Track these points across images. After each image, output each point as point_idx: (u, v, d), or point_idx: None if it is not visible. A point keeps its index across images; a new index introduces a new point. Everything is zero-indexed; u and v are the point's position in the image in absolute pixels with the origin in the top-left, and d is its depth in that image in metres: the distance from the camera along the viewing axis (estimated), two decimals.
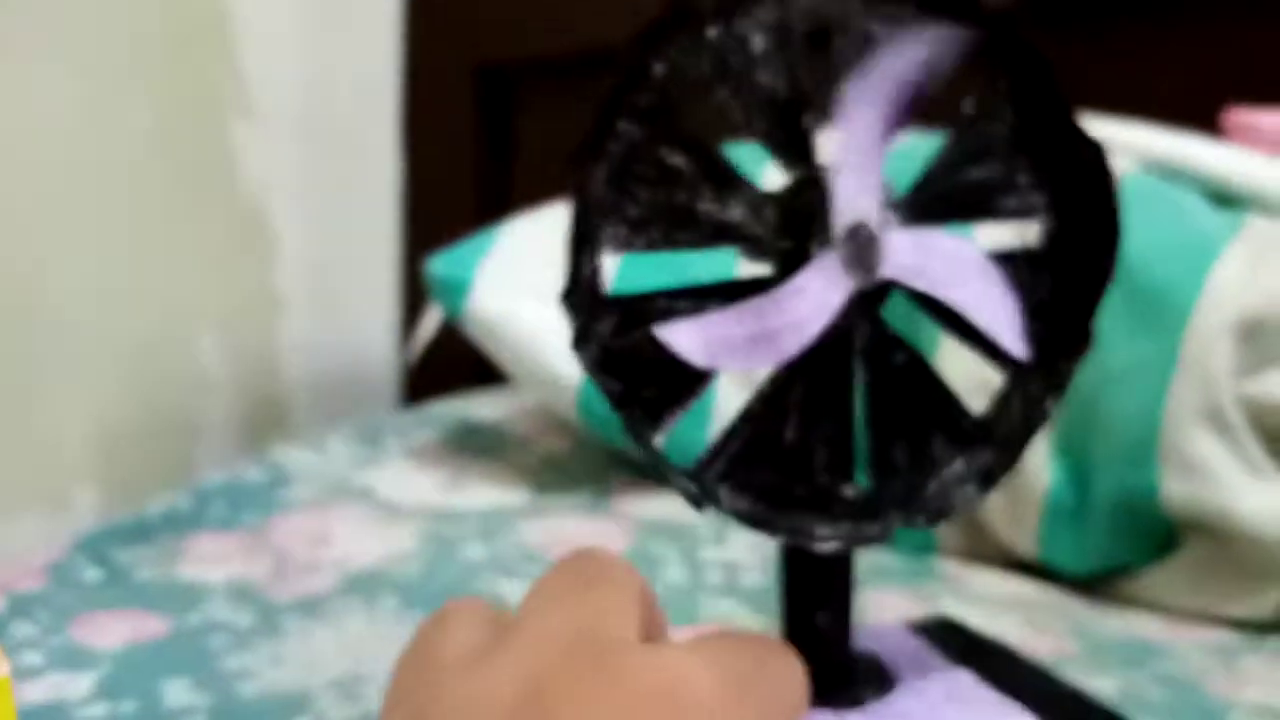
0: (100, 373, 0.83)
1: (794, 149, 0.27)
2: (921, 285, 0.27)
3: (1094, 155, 0.27)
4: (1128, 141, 0.56)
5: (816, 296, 0.25)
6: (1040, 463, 0.51)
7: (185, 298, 0.90)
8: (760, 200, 0.27)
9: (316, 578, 0.46)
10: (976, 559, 0.54)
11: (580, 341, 0.27)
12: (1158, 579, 0.50)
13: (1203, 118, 0.61)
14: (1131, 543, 0.50)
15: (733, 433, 0.28)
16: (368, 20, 1.04)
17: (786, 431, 0.28)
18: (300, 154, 0.98)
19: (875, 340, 0.29)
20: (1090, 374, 0.49)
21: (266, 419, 0.97)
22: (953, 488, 0.29)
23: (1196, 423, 0.47)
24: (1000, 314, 0.28)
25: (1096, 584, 0.51)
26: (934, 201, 0.29)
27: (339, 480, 0.61)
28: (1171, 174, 0.54)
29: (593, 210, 0.27)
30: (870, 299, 0.28)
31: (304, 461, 0.65)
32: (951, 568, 0.52)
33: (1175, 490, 0.48)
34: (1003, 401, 0.30)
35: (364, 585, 0.44)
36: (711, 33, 0.27)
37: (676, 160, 0.27)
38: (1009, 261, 0.29)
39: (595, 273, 0.27)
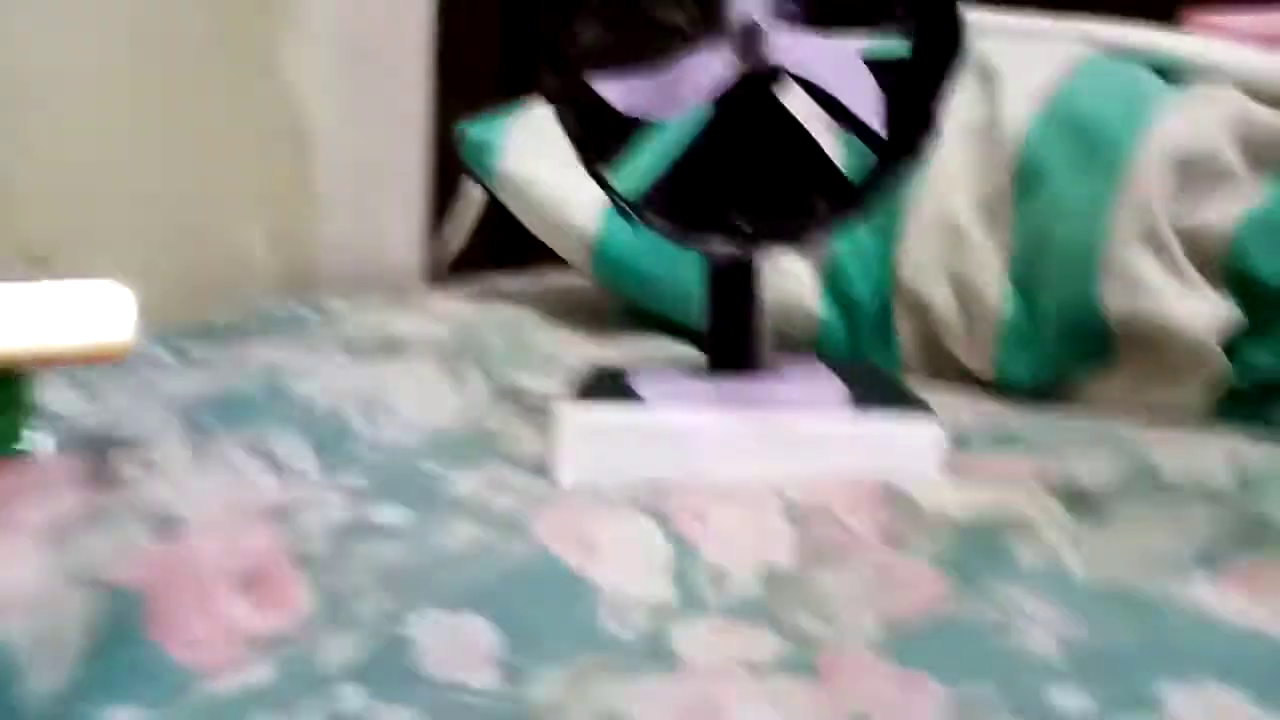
0: (153, 254, 0.94)
1: None
2: (801, 73, 0.39)
3: None
4: (1092, 33, 0.67)
5: (710, 69, 0.37)
6: (997, 294, 0.62)
7: (232, 190, 1.02)
8: (688, 5, 0.39)
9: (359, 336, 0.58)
10: (938, 376, 0.64)
11: (560, 101, 0.39)
12: (1099, 383, 0.61)
13: None
14: (1076, 353, 0.61)
15: (663, 176, 0.40)
16: None
17: (701, 177, 0.40)
18: (339, 61, 1.10)
19: (771, 115, 0.40)
20: (1042, 211, 0.61)
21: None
22: (822, 229, 0.41)
23: (1135, 243, 0.58)
24: (867, 101, 0.40)
25: (1045, 394, 0.62)
26: (826, 16, 0.40)
27: (377, 315, 0.73)
28: (1129, 57, 0.65)
29: (570, 6, 0.39)
30: (765, 83, 0.40)
31: (345, 306, 0.77)
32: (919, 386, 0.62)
33: (1115, 300, 0.58)
34: (872, 174, 0.41)
35: (396, 344, 0.56)
36: None
37: None
38: (880, 68, 0.40)
39: (573, 53, 0.39)
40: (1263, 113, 0.59)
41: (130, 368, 0.57)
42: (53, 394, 0.50)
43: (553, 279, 0.91)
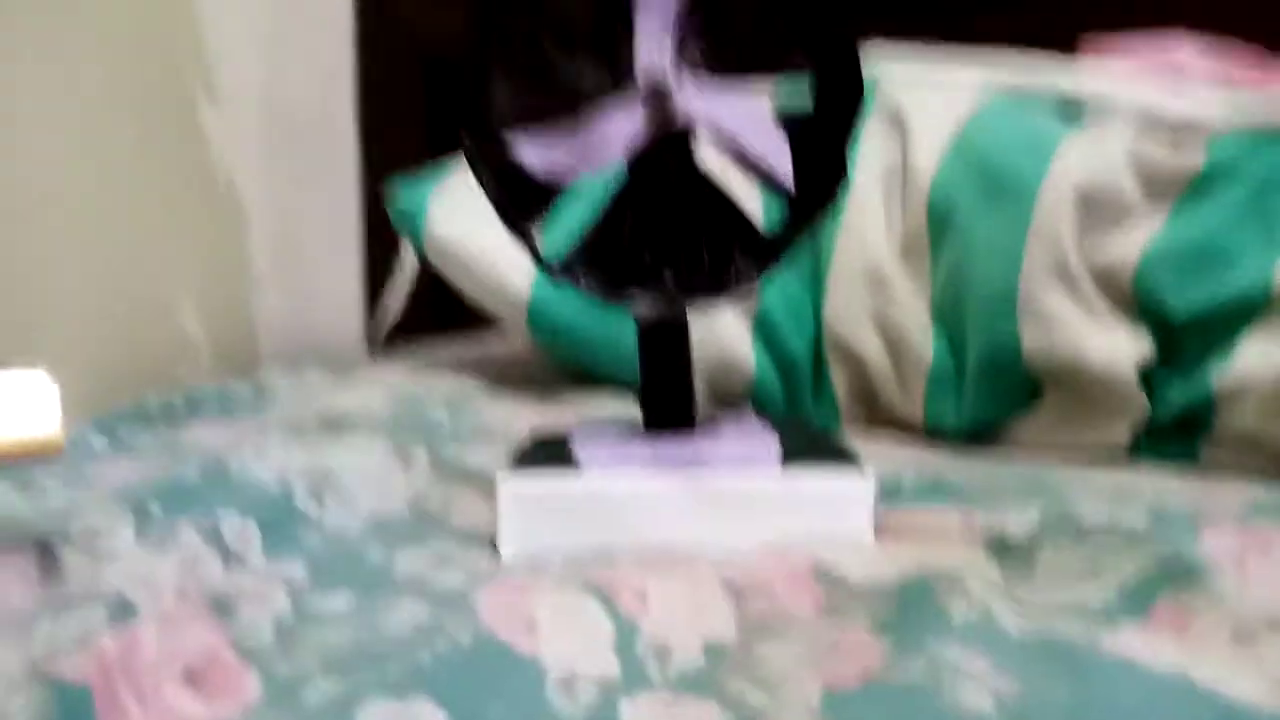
0: (89, 339, 0.93)
1: (625, 29, 0.40)
2: (708, 126, 0.40)
3: (846, 40, 0.40)
4: (995, 72, 0.69)
5: (621, 126, 0.38)
6: (924, 340, 0.64)
7: (165, 269, 1.01)
8: (599, 66, 0.40)
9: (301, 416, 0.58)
10: (873, 423, 0.66)
11: (480, 163, 0.40)
12: (1025, 425, 0.62)
13: None
14: (1002, 396, 0.62)
15: (585, 236, 0.41)
16: (324, 11, 1.17)
17: (623, 235, 0.41)
18: (265, 136, 1.10)
19: (687, 173, 0.41)
20: (957, 254, 0.63)
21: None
22: (742, 279, 0.41)
23: (1048, 280, 0.60)
24: (776, 153, 0.41)
25: (975, 439, 0.63)
26: (732, 69, 0.41)
27: (317, 391, 0.73)
28: (1029, 96, 0.67)
29: (488, 72, 0.40)
30: (680, 140, 0.41)
31: (284, 383, 0.76)
32: (854, 437, 0.63)
33: (1033, 340, 0.60)
34: (786, 222, 0.42)
35: (339, 423, 0.56)
36: None
37: (545, 39, 0.40)
38: (788, 121, 0.42)
39: (490, 117, 0.40)
40: (1155, 146, 0.62)
41: (66, 456, 0.56)
42: None
43: (492, 342, 0.92)
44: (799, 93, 0.42)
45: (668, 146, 0.41)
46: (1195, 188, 0.60)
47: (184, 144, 1.03)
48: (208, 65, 1.04)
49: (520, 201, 0.41)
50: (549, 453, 0.44)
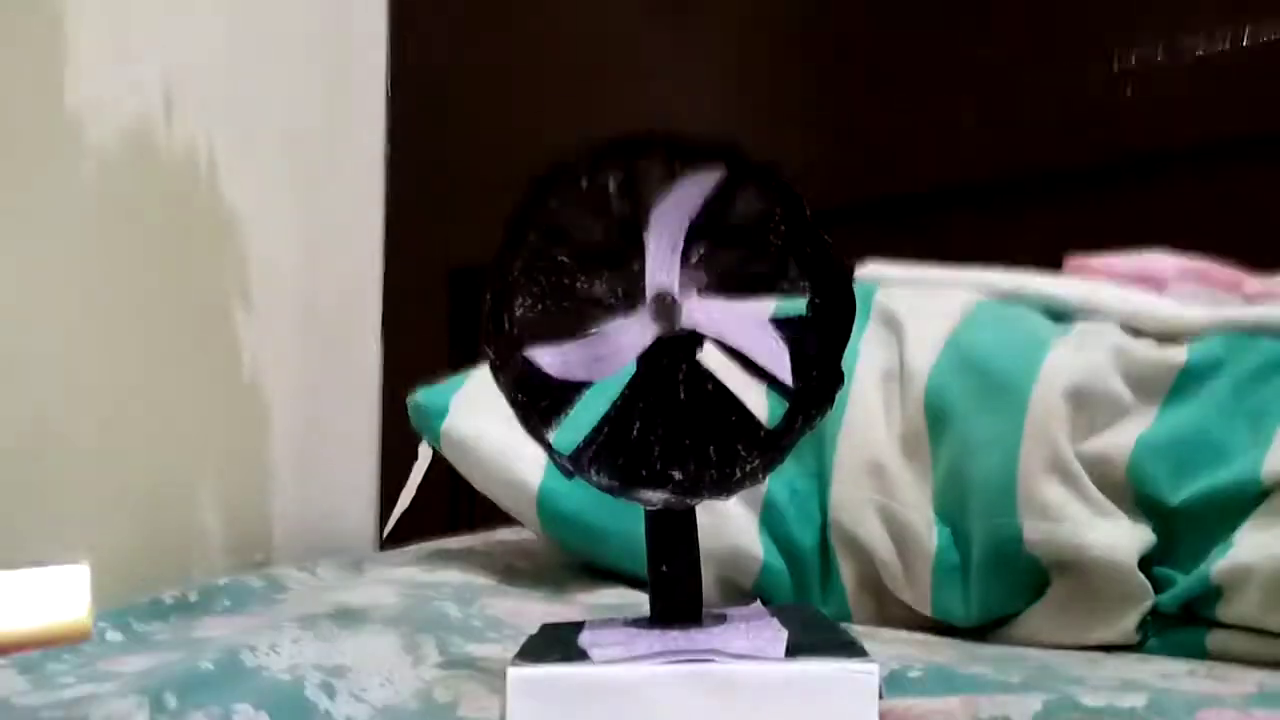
0: (107, 526, 0.95)
1: (635, 248, 0.43)
2: (712, 334, 0.43)
3: (836, 255, 0.43)
4: (983, 280, 0.73)
5: (631, 336, 0.41)
6: (927, 530, 0.65)
7: (187, 461, 1.03)
8: (610, 280, 0.43)
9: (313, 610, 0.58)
10: (884, 623, 0.66)
11: (500, 370, 0.42)
12: (1033, 618, 0.63)
13: None
14: (1009, 587, 0.63)
15: (597, 433, 0.43)
16: (355, 225, 1.25)
17: (632, 432, 0.43)
18: (294, 341, 1.15)
19: (693, 374, 0.44)
20: (955, 450, 0.65)
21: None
22: (748, 476, 0.43)
23: (1044, 475, 0.62)
24: (776, 357, 0.44)
25: (984, 632, 0.63)
26: (733, 283, 0.44)
27: (328, 586, 0.73)
28: (1017, 300, 0.71)
29: (509, 287, 0.43)
30: (687, 345, 0.43)
31: (297, 577, 0.77)
32: (862, 629, 0.64)
33: (1034, 532, 0.61)
34: (786, 420, 0.44)
35: (350, 616, 0.57)
36: (583, 180, 0.44)
37: (562, 257, 0.44)
38: (786, 324, 0.44)
39: (510, 326, 0.43)
40: (1140, 345, 0.65)
41: (80, 648, 0.57)
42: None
43: (503, 535, 0.93)
44: (796, 305, 0.45)
45: (675, 350, 0.44)
46: (1181, 384, 0.62)
47: (216, 345, 1.07)
48: (244, 271, 1.10)
49: (538, 405, 0.43)
50: (558, 644, 0.44)
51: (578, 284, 0.44)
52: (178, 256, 1.03)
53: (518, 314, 0.44)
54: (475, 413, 0.76)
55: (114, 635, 0.62)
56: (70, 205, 0.91)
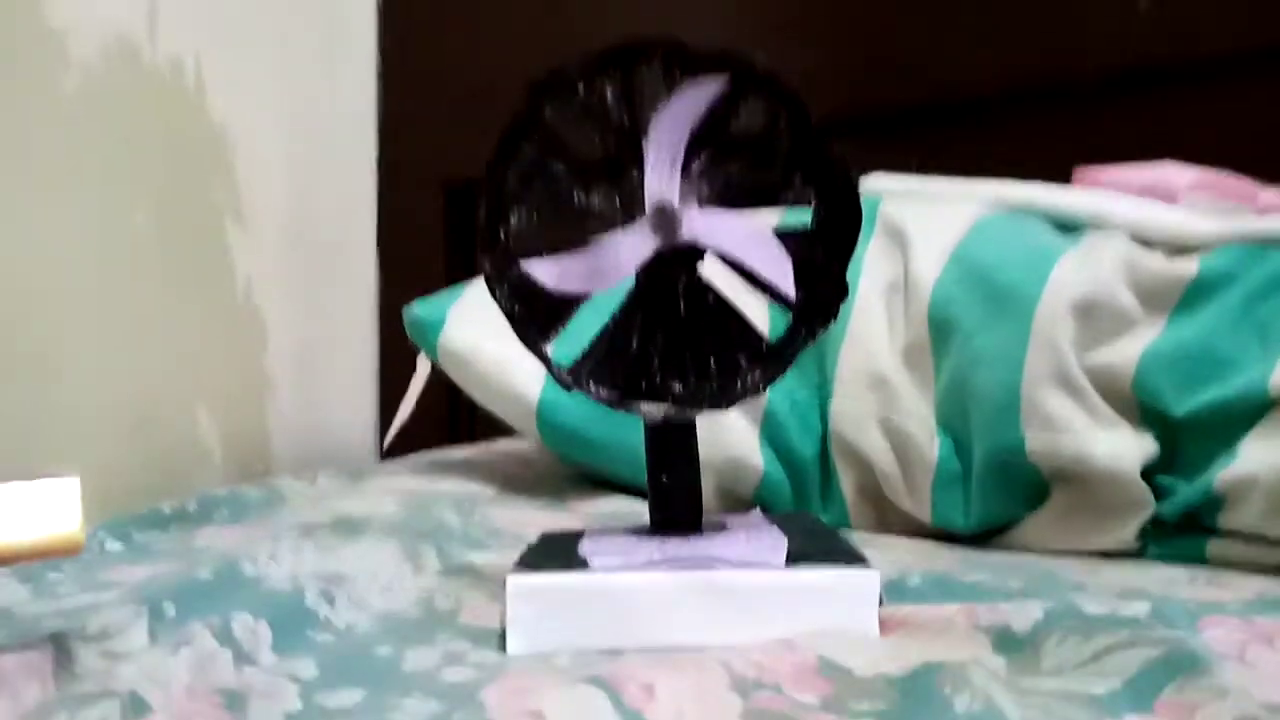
0: (106, 442, 0.95)
1: (633, 159, 0.42)
2: (713, 247, 0.42)
3: (842, 166, 0.42)
4: (990, 192, 0.72)
5: (630, 248, 0.41)
6: (929, 441, 0.65)
7: (184, 378, 1.03)
8: (609, 191, 0.42)
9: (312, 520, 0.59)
10: (883, 532, 0.66)
11: (497, 282, 0.41)
12: (1033, 526, 0.63)
13: None
14: (1009, 497, 0.63)
15: (595, 346, 0.43)
16: (348, 140, 1.23)
17: (632, 346, 0.43)
18: (288, 255, 1.14)
19: (693, 287, 0.43)
20: (959, 361, 0.64)
21: None
22: (749, 388, 0.43)
23: (1049, 386, 0.61)
24: (778, 270, 0.43)
25: (983, 540, 0.64)
26: (735, 195, 0.43)
27: (327, 495, 0.73)
28: (1025, 212, 0.70)
29: (505, 197, 0.42)
30: (687, 258, 0.43)
31: (296, 488, 0.77)
32: (861, 537, 0.64)
33: (1037, 443, 0.61)
34: (789, 333, 0.44)
35: (349, 525, 0.57)
36: (580, 89, 0.43)
37: (558, 167, 0.43)
38: (789, 237, 0.44)
39: (506, 238, 0.42)
40: (1150, 257, 0.64)
41: (81, 559, 0.57)
42: (1, 591, 0.50)
43: (502, 446, 0.93)
44: (800, 216, 0.44)
45: (675, 262, 0.43)
46: (1190, 296, 0.62)
47: (209, 259, 1.06)
48: (236, 187, 1.08)
49: (535, 318, 0.43)
50: (558, 553, 0.44)
51: (575, 196, 0.43)
52: (167, 174, 1.01)
53: (513, 226, 0.43)
54: (472, 325, 0.76)
55: (113, 545, 0.62)
56: (54, 122, 0.89)
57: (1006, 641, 0.38)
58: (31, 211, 0.87)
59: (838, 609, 0.40)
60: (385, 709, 0.35)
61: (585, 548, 0.43)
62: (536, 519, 0.65)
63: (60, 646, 0.40)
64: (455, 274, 1.19)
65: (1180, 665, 0.34)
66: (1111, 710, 0.33)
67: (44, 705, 0.35)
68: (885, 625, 0.40)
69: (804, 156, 0.44)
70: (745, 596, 0.40)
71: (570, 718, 0.32)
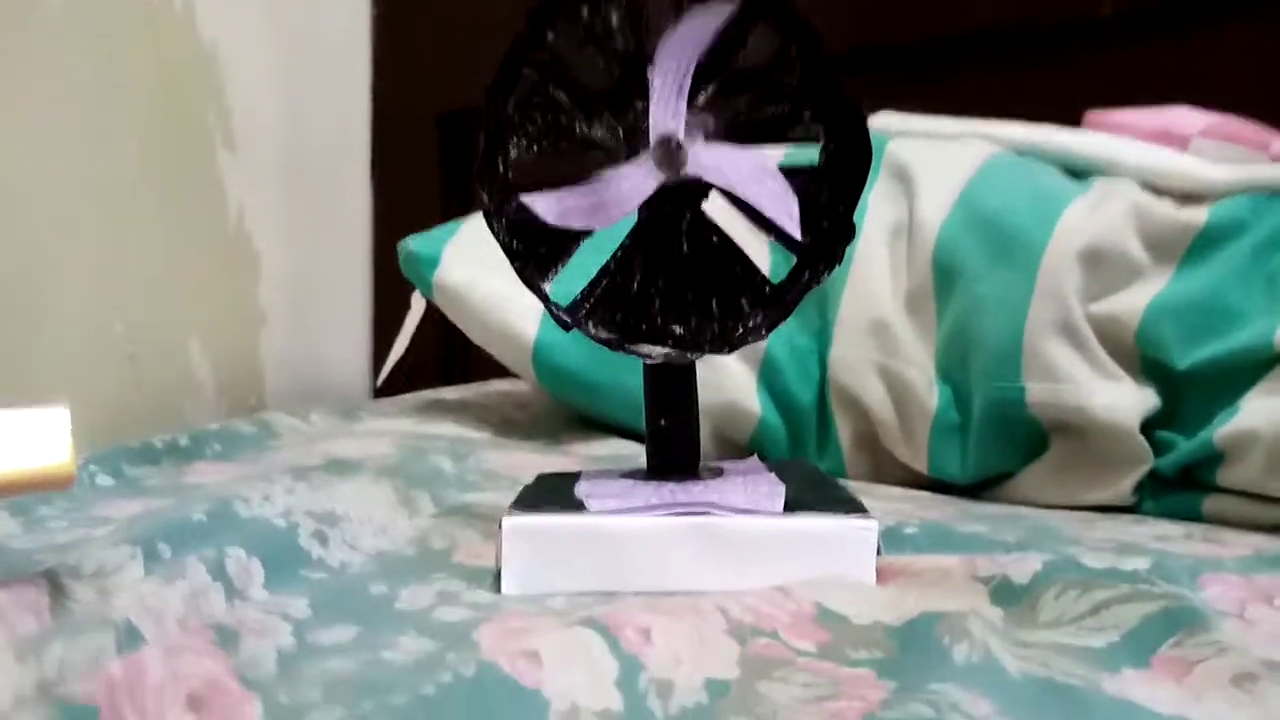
0: (97, 374, 0.94)
1: (638, 87, 0.41)
2: (719, 183, 0.41)
3: (853, 102, 0.41)
4: (999, 133, 0.71)
5: (634, 182, 0.39)
6: (927, 389, 0.65)
7: (177, 310, 1.02)
8: (612, 122, 0.41)
9: (306, 461, 0.58)
10: (879, 481, 0.66)
11: (495, 215, 0.41)
12: (1030, 478, 0.63)
13: None
14: (1007, 448, 0.63)
15: (595, 285, 0.42)
16: (341, 67, 1.20)
17: (633, 285, 0.42)
18: (280, 184, 1.12)
19: (696, 224, 0.42)
20: (962, 307, 0.63)
21: None
22: (751, 331, 0.42)
23: (1052, 336, 0.61)
24: (784, 208, 0.42)
25: (978, 491, 0.64)
26: (742, 129, 0.42)
27: (321, 434, 0.73)
28: (1034, 155, 0.69)
29: (504, 127, 0.41)
30: (691, 195, 0.42)
31: (288, 425, 0.77)
32: (857, 486, 0.64)
33: (1038, 393, 0.60)
34: (792, 275, 0.43)
35: (344, 467, 0.57)
36: (584, 11, 0.41)
37: (560, 96, 0.41)
38: (795, 175, 0.43)
39: (505, 169, 0.41)
40: (1159, 205, 0.63)
41: (72, 493, 0.57)
42: None
43: (498, 386, 0.93)
44: (807, 154, 0.43)
45: (678, 199, 0.42)
46: (1198, 246, 0.61)
47: (200, 187, 1.05)
48: (227, 113, 1.06)
49: (534, 253, 0.42)
50: (554, 495, 0.44)
51: (576, 126, 0.42)
52: (157, 98, 0.99)
53: (513, 157, 0.42)
54: (469, 262, 0.75)
55: (104, 479, 0.62)
56: (39, 43, 0.87)
57: (1005, 593, 0.37)
58: (16, 138, 0.85)
59: (836, 557, 0.40)
60: (378, 647, 0.35)
61: (582, 490, 0.43)
62: (532, 461, 0.65)
63: (54, 581, 0.40)
64: (449, 208, 1.18)
65: (1179, 620, 0.34)
66: (1110, 664, 0.33)
67: (40, 635, 0.35)
68: (883, 574, 0.40)
69: (814, 90, 0.42)
70: (743, 542, 0.40)
71: (566, 659, 0.32)
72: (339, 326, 1.21)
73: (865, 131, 0.43)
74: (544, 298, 0.42)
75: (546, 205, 0.41)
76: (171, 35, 1.00)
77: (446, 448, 0.66)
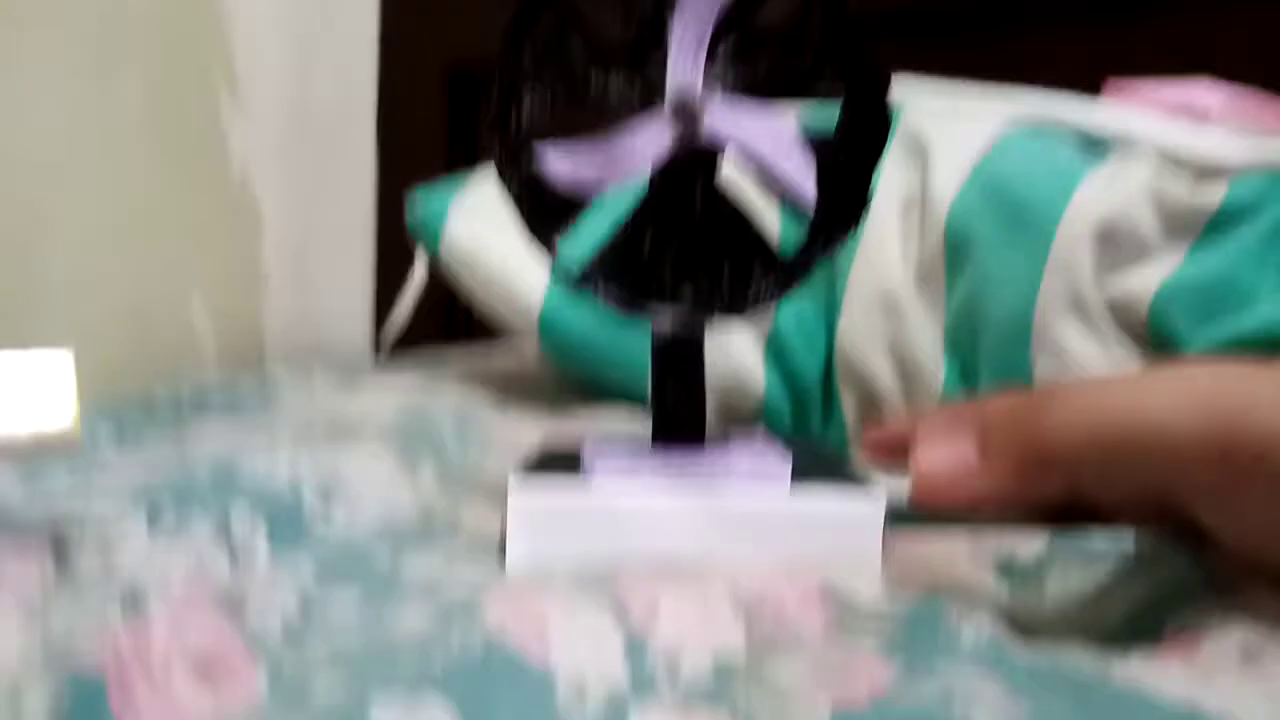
0: (97, 328, 0.94)
1: (655, 41, 0.40)
2: (736, 145, 0.40)
3: (877, 69, 0.40)
4: (1020, 103, 0.69)
5: (648, 140, 0.39)
6: (935, 366, 0.64)
7: (178, 263, 1.02)
8: (628, 75, 0.40)
9: (309, 421, 0.58)
10: None
11: (508, 171, 0.40)
12: None
13: None
14: None
15: (606, 245, 0.41)
16: (348, 18, 1.18)
17: (644, 248, 0.41)
18: (285, 140, 1.11)
19: (710, 190, 0.42)
20: (973, 282, 0.63)
21: None
22: (762, 296, 0.42)
23: (1063, 312, 0.60)
24: (800, 171, 0.41)
25: None
26: (761, 85, 0.42)
27: (324, 393, 0.73)
28: (1052, 128, 0.68)
29: (520, 78, 0.40)
30: (706, 155, 0.41)
31: (290, 384, 0.77)
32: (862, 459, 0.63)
33: (1045, 370, 0.60)
34: (805, 242, 0.43)
35: (347, 430, 0.57)
36: None
37: (577, 45, 0.41)
38: (815, 138, 0.42)
39: (520, 122, 0.40)
40: (1176, 181, 0.62)
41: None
42: None
43: (499, 354, 0.92)
44: (826, 118, 0.43)
45: (694, 162, 0.41)
46: (1214, 226, 0.60)
47: (203, 142, 1.04)
48: (233, 67, 1.05)
49: (545, 211, 0.41)
50: (559, 463, 0.44)
51: (592, 78, 0.41)
52: (159, 43, 0.98)
53: (526, 108, 0.41)
54: (476, 219, 0.74)
55: (106, 434, 0.62)
56: None
57: (1012, 573, 0.37)
58: (16, 91, 0.84)
59: (842, 533, 0.40)
60: (383, 614, 0.35)
61: (587, 458, 0.43)
62: (535, 430, 0.65)
63: (58, 541, 0.40)
64: (456, 165, 1.17)
65: (1186, 597, 0.34)
66: (1117, 644, 0.33)
67: (44, 597, 0.35)
68: (889, 552, 0.40)
69: (835, 52, 0.42)
70: (749, 517, 0.40)
71: (572, 629, 0.32)
72: (342, 283, 1.21)
73: (886, 98, 0.42)
74: (552, 256, 0.41)
75: (559, 160, 0.40)
76: None
77: (451, 410, 0.66)
